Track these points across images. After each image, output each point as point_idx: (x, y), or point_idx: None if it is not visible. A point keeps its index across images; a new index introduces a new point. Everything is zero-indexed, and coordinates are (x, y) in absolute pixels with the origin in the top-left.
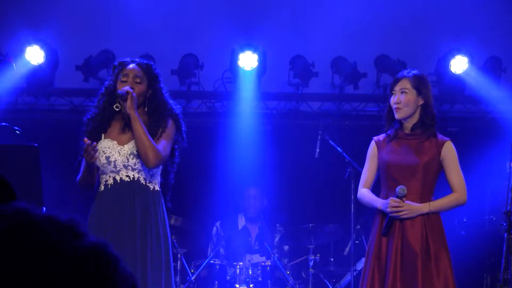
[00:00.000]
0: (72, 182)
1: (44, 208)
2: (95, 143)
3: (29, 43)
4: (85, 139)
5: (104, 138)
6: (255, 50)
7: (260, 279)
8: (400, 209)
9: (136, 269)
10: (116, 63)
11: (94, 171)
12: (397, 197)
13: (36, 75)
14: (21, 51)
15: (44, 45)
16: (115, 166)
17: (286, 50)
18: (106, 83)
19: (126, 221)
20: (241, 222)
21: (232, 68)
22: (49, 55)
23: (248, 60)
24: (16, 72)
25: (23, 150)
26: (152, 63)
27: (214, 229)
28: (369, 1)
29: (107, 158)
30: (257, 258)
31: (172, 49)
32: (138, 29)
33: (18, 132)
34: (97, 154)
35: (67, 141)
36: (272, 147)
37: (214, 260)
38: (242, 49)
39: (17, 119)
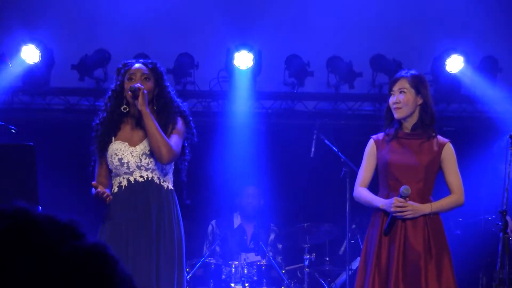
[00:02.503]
0: (68, 181)
1: (40, 207)
2: (108, 191)
3: (25, 42)
4: (97, 188)
5: (115, 141)
6: (250, 49)
7: (255, 278)
8: (404, 209)
9: (152, 265)
10: (120, 65)
11: (107, 178)
12: (401, 196)
13: (31, 74)
14: (17, 50)
15: (39, 44)
16: (128, 168)
17: (282, 50)
18: (112, 85)
19: (142, 219)
20: (237, 221)
21: (228, 67)
22: (45, 54)
23: (243, 60)
24: (11, 71)
25: (19, 149)
26: (156, 62)
27: (210, 227)
28: (365, 1)
29: (120, 159)
30: (252, 257)
31: (168, 48)
32: (133, 28)
33: (14, 131)
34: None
35: (63, 140)
36: (267, 146)
37: (210, 259)
38: (238, 49)
39: (13, 118)
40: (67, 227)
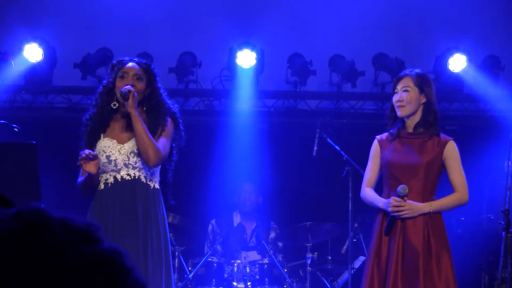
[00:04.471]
0: (71, 179)
1: (42, 205)
2: (90, 152)
3: (27, 41)
4: (87, 152)
5: (104, 138)
6: (253, 48)
7: (257, 277)
8: (401, 208)
9: (139, 264)
10: (115, 62)
11: (96, 159)
12: (399, 196)
13: (34, 73)
14: (19, 49)
15: (42, 42)
16: (115, 165)
17: (284, 48)
18: (104, 81)
19: (128, 217)
20: (236, 219)
21: (230, 66)
22: (47, 52)
23: (246, 58)
24: (14, 69)
25: (21, 147)
26: (150, 63)
27: (210, 226)
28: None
29: (108, 157)
30: (253, 255)
31: (170, 47)
32: (136, 27)
33: (16, 130)
34: (91, 161)
35: (66, 139)
36: (270, 145)
37: (212, 258)
38: (240, 47)
39: (15, 116)
40: (80, 231)
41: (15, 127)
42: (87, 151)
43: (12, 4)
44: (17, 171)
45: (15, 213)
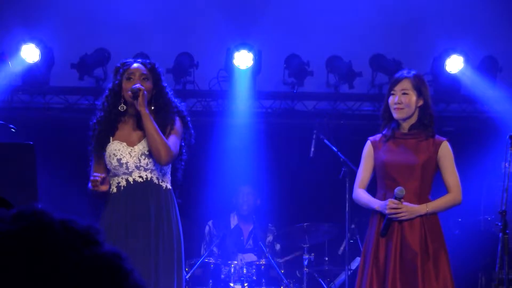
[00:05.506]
0: (68, 180)
1: (40, 206)
2: (102, 176)
3: (25, 41)
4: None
5: (113, 141)
6: (250, 49)
7: (254, 278)
8: (399, 210)
9: (150, 265)
10: (119, 65)
11: (106, 178)
12: (396, 198)
13: (31, 73)
14: (17, 49)
15: (39, 43)
16: (127, 168)
17: (282, 49)
18: (110, 85)
19: (141, 220)
20: (234, 221)
21: (227, 67)
22: (45, 53)
23: (243, 59)
24: (11, 70)
25: (18, 148)
26: (155, 62)
27: (207, 228)
28: (365, 0)
29: (119, 160)
30: (249, 257)
31: (167, 48)
32: (133, 27)
33: (13, 130)
34: (102, 185)
35: (63, 139)
36: (267, 146)
37: (209, 259)
38: (238, 48)
39: (12, 117)
40: (81, 233)
41: (12, 128)
42: (97, 177)
43: (9, 4)
44: (14, 172)
45: (16, 214)
